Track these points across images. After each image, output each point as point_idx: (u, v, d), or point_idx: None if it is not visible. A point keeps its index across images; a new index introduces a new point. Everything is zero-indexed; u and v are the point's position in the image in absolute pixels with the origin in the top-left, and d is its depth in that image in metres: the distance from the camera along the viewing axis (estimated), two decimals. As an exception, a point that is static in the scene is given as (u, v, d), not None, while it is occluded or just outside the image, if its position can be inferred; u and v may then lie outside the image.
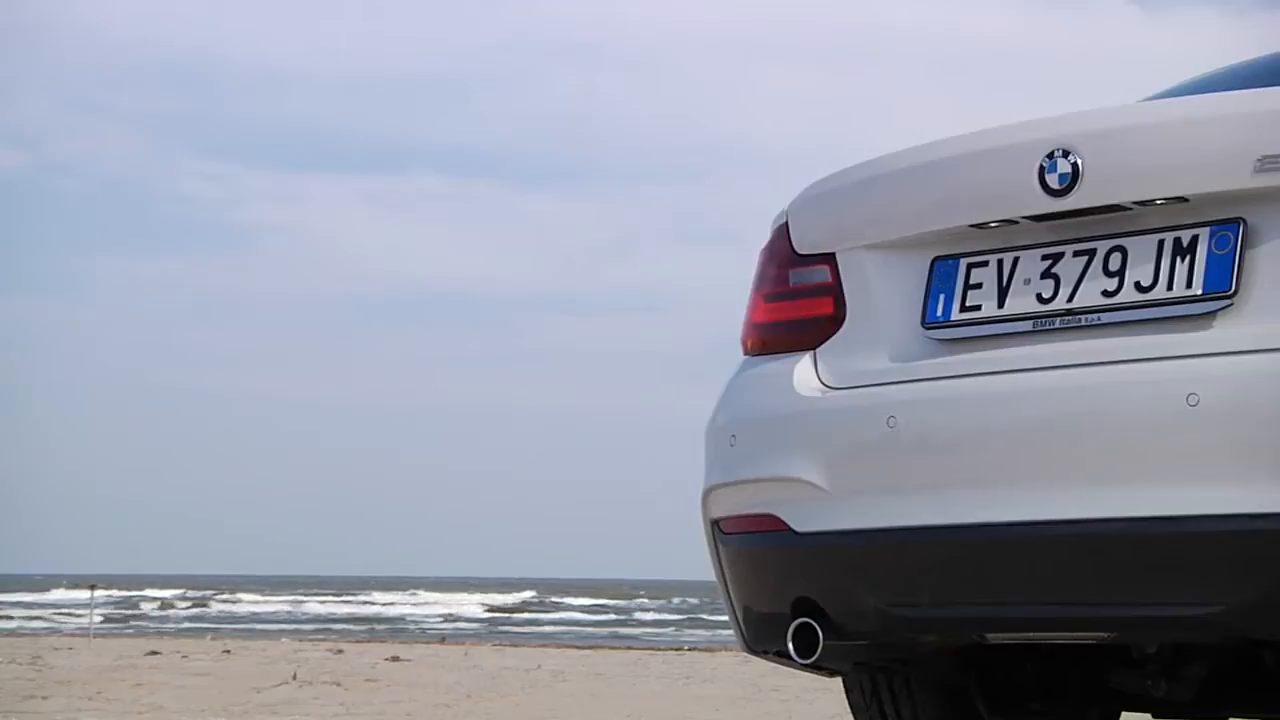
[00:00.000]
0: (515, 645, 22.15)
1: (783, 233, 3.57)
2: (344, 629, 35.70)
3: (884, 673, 3.77)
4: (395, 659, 14.66)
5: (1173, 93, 3.86)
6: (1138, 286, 3.04)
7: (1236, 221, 2.98)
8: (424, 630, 34.67)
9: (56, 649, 15.84)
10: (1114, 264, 3.08)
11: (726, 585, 3.55)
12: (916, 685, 3.80)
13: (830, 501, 3.27)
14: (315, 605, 51.53)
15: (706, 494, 3.56)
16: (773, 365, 3.49)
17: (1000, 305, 3.19)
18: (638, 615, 47.11)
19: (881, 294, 3.37)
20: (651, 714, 9.10)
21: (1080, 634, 3.19)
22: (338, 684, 10.92)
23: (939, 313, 3.26)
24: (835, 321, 3.43)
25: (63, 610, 42.74)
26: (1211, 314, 2.95)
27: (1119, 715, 4.00)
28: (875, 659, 3.49)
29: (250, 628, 35.38)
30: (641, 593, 63.16)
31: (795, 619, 3.32)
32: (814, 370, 3.42)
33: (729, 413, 3.54)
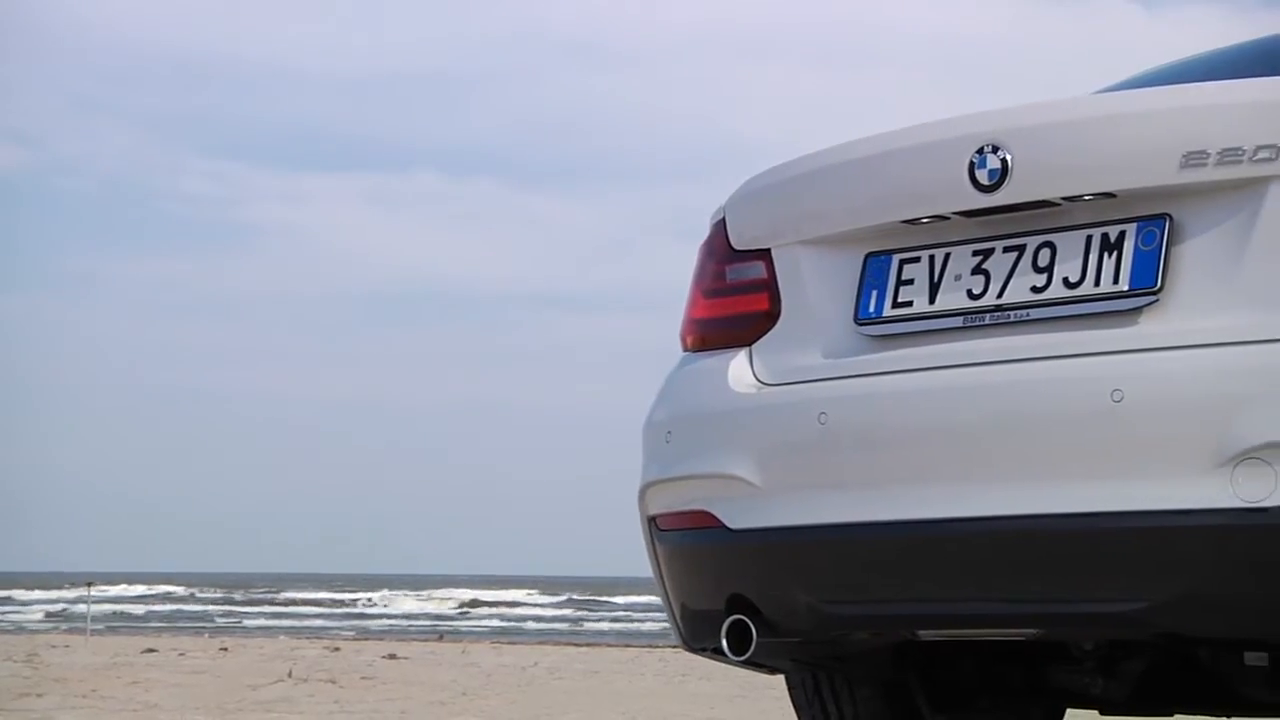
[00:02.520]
0: (513, 643, 22.16)
1: (721, 228, 3.57)
2: (343, 627, 35.68)
3: (825, 671, 3.76)
4: (392, 656, 14.68)
5: (1116, 89, 3.83)
6: (1066, 283, 3.04)
7: (1163, 217, 2.98)
8: (420, 629, 34.63)
9: (54, 646, 15.86)
10: (1043, 260, 3.08)
11: (664, 582, 3.55)
12: (858, 683, 3.79)
13: (763, 498, 3.26)
14: (314, 603, 51.51)
15: (643, 490, 3.55)
16: (709, 362, 3.49)
17: (931, 301, 3.18)
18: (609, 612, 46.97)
19: (816, 290, 3.36)
20: (647, 712, 9.10)
21: (1009, 631, 3.18)
22: (333, 681, 10.93)
23: (871, 309, 3.25)
24: (770, 317, 3.43)
25: (59, 608, 42.69)
26: (1137, 310, 2.95)
27: (1064, 713, 4.00)
28: (810, 656, 3.49)
29: (249, 625, 35.38)
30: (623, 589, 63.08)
31: (729, 616, 3.31)
32: (749, 366, 3.41)
33: (665, 409, 3.54)
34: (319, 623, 38.61)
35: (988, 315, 3.10)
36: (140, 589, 57.39)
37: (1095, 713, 3.71)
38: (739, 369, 3.41)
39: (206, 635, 23.54)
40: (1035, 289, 3.07)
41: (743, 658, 3.30)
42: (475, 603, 52.22)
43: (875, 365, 3.20)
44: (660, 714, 8.98)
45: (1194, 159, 2.93)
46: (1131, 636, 3.15)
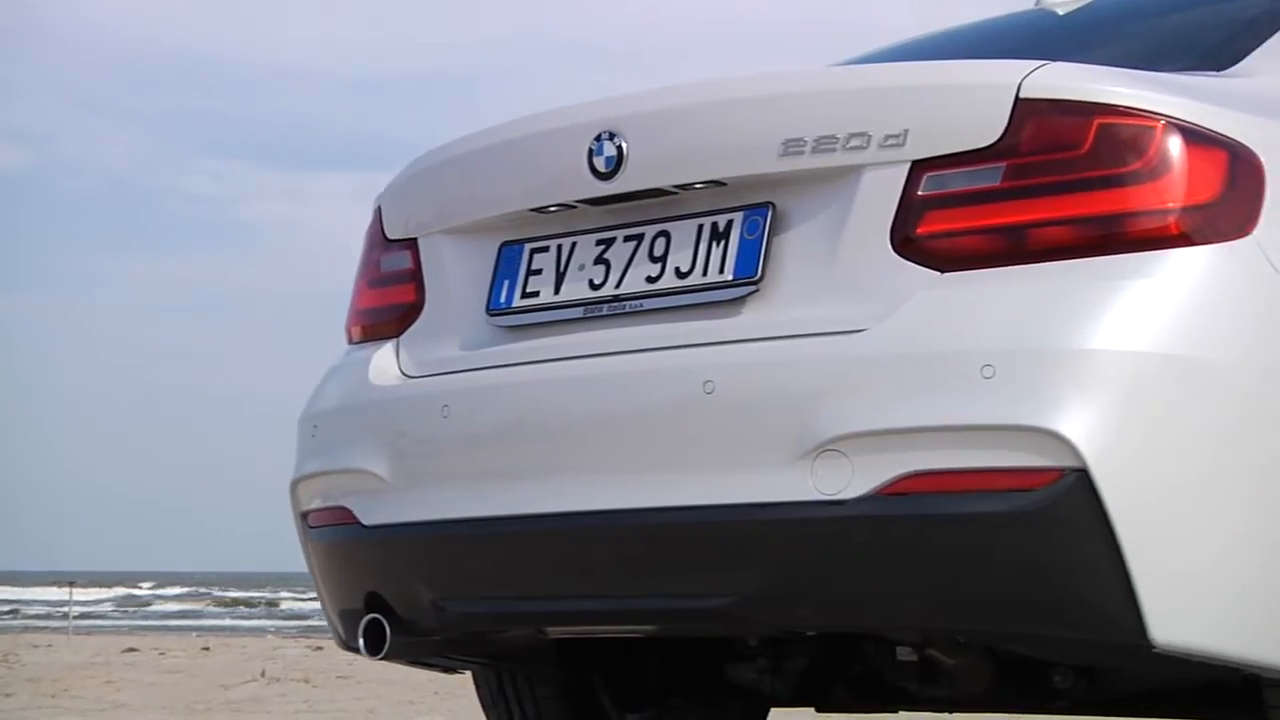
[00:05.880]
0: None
1: (377, 217, 3.53)
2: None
3: (508, 670, 3.72)
4: (374, 655, 14.59)
5: (853, 63, 3.91)
6: (678, 272, 3.00)
7: (766, 206, 2.94)
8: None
9: (36, 646, 15.82)
10: (659, 249, 3.04)
11: (317, 581, 3.50)
12: (537, 682, 3.75)
13: (392, 494, 3.22)
14: (311, 599, 51.48)
15: (294, 486, 3.50)
16: (361, 354, 3.45)
17: (557, 291, 3.14)
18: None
19: (455, 280, 3.32)
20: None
21: (624, 627, 3.14)
22: (306, 681, 10.87)
23: (502, 299, 3.21)
24: (416, 309, 3.39)
25: (50, 608, 42.65)
26: (740, 300, 2.92)
27: (768, 711, 3.96)
28: (452, 654, 3.44)
29: (241, 624, 35.32)
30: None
31: (366, 614, 3.27)
32: (395, 359, 3.38)
33: (315, 403, 3.49)
34: (312, 621, 38.56)
35: (605, 306, 3.07)
36: (134, 589, 57.38)
37: (813, 710, 3.68)
38: (383, 361, 3.37)
39: (194, 635, 23.48)
40: (650, 279, 3.03)
41: (378, 657, 3.25)
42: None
43: (500, 357, 3.16)
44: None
45: (792, 147, 2.90)
46: (729, 632, 3.15)
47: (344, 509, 3.33)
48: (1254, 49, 3.12)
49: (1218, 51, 3.16)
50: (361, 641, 3.27)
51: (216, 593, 55.56)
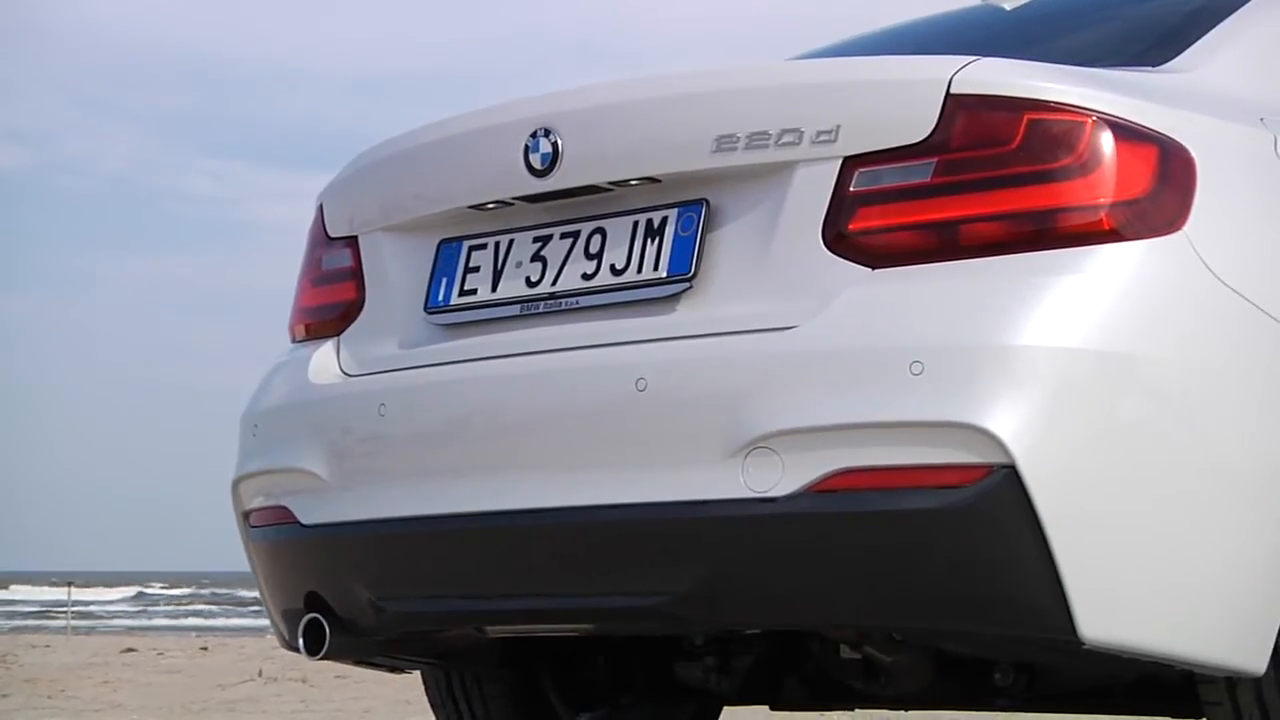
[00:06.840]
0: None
1: (319, 215, 3.52)
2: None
3: (454, 669, 3.72)
4: (373, 654, 14.57)
5: (809, 56, 3.92)
6: (613, 269, 3.00)
7: (700, 203, 2.94)
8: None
9: (34, 646, 15.80)
10: (594, 246, 3.03)
11: (259, 581, 3.49)
12: (486, 681, 3.74)
13: (330, 493, 3.21)
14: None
15: (235, 485, 3.50)
16: (302, 352, 3.44)
17: (494, 289, 3.13)
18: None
19: (395, 278, 3.31)
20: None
21: (563, 626, 3.14)
22: (303, 680, 10.86)
23: (440, 297, 3.20)
24: (357, 307, 3.38)
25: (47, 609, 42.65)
26: (674, 297, 2.91)
27: (720, 710, 3.96)
28: (394, 654, 3.44)
29: (240, 624, 35.29)
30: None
31: (306, 614, 3.26)
32: (335, 357, 3.37)
33: (256, 402, 3.48)
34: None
35: (542, 303, 3.06)
36: (145, 588, 57.41)
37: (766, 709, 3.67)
38: (323, 360, 3.37)
39: (193, 635, 23.48)
40: (585, 276, 3.02)
41: (318, 657, 3.24)
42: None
43: (437, 355, 3.15)
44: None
45: (726, 143, 2.89)
46: (665, 630, 3.15)
47: (283, 508, 3.32)
48: (1191, 44, 3.12)
49: (1156, 47, 3.16)
50: (301, 642, 3.26)
51: (234, 593, 55.57)
